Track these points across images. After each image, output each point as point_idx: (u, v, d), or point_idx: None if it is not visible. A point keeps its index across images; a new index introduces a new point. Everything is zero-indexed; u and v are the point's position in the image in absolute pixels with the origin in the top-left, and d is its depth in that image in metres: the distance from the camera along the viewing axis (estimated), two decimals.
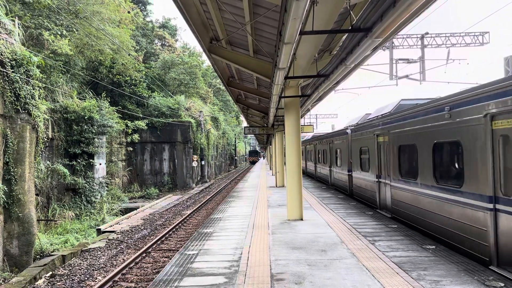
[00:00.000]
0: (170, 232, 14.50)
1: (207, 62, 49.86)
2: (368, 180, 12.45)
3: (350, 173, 14.98)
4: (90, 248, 13.02)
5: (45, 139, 16.48)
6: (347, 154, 15.06)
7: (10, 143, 13.10)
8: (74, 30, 22.17)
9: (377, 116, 12.01)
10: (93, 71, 28.27)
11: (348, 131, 14.96)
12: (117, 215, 21.34)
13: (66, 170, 19.14)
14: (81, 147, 21.02)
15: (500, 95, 5.70)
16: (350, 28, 5.85)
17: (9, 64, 13.31)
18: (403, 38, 20.25)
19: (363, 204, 12.83)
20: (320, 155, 22.67)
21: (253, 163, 79.12)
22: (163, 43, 46.27)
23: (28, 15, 19.25)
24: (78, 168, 20.90)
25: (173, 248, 12.23)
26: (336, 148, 17.44)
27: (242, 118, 58.86)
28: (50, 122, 18.77)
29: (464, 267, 5.79)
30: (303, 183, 19.05)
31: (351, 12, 6.08)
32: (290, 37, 5.37)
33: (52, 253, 12.87)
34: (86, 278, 10.08)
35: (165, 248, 12.37)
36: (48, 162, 18.44)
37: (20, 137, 13.54)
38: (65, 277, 10.38)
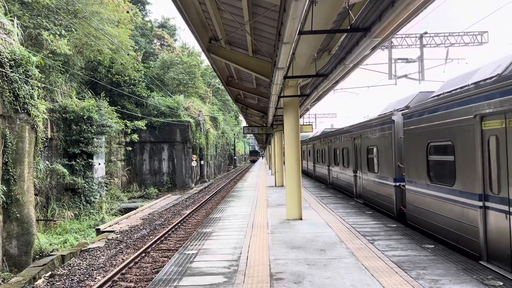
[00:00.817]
0: (170, 232, 14.50)
1: (206, 62, 49.97)
2: (450, 200, 7.28)
3: (398, 183, 10.28)
4: (89, 248, 13.01)
5: (44, 139, 16.47)
6: (391, 154, 10.50)
7: (9, 143, 13.10)
8: (73, 30, 22.16)
9: (473, 83, 6.84)
10: (92, 71, 28.26)
11: (396, 117, 10.30)
12: (116, 215, 21.33)
13: (65, 170, 19.13)
14: (80, 147, 21.01)
15: None
16: (349, 28, 5.85)
17: (8, 64, 13.30)
18: (402, 37, 20.28)
19: (434, 239, 7.82)
20: (336, 156, 18.21)
21: (253, 161, 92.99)
22: (162, 42, 46.27)
23: (27, 15, 19.23)
24: (77, 168, 20.89)
25: (173, 248, 12.23)
26: (367, 146, 12.80)
27: (241, 117, 58.88)
28: (49, 122, 18.75)
29: (463, 266, 5.80)
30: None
31: (350, 12, 6.09)
32: (289, 37, 5.38)
33: (51, 253, 12.86)
34: (86, 278, 10.08)
35: (165, 247, 12.37)
36: (47, 162, 18.42)
37: (19, 137, 13.53)
38: (65, 277, 10.38)
